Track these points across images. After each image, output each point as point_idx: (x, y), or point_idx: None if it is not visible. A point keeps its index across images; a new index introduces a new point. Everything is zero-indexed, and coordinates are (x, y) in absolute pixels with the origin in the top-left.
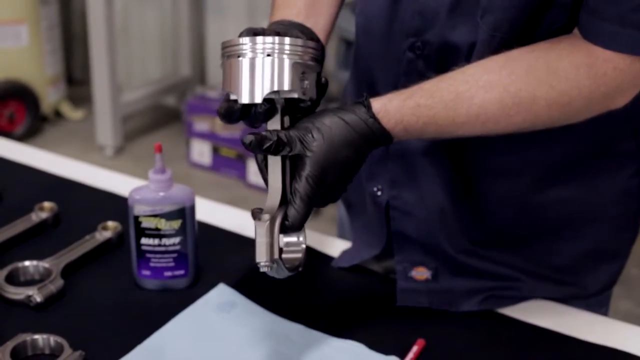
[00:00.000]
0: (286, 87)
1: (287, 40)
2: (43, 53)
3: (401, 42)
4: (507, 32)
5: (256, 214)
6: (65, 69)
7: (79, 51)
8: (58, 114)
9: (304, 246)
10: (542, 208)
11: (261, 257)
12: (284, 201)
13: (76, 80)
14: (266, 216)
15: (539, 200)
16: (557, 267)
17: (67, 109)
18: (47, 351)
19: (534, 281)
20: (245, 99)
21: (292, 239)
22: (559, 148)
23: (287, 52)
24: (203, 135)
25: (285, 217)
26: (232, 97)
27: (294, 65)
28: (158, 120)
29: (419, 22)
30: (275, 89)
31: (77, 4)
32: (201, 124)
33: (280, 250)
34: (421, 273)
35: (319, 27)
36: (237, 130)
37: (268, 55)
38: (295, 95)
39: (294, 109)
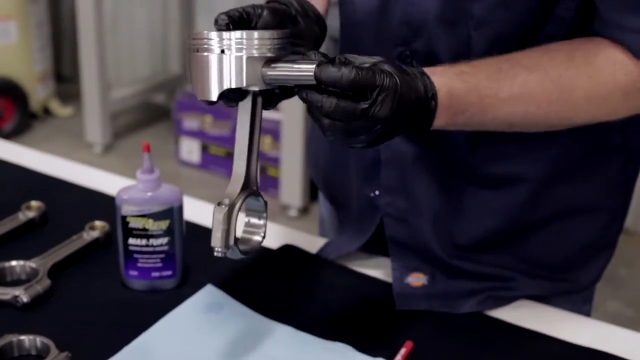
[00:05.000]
0: (244, 83)
1: (243, 34)
2: (32, 50)
3: (389, 51)
4: (506, 44)
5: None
6: (54, 66)
7: (67, 48)
8: (47, 111)
9: (264, 230)
10: (537, 208)
11: (216, 242)
12: (247, 185)
13: (65, 77)
14: (226, 201)
15: (534, 202)
16: (551, 265)
17: (55, 106)
18: (33, 352)
19: (529, 280)
20: (199, 96)
21: (255, 220)
22: (558, 149)
23: (244, 46)
24: (192, 133)
25: (244, 201)
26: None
27: (249, 60)
28: (147, 117)
29: (406, 32)
30: (229, 86)
31: (66, 0)
32: (190, 122)
33: (236, 240)
34: (417, 279)
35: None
36: (226, 129)
37: (222, 51)
38: (256, 89)
39: (270, 92)
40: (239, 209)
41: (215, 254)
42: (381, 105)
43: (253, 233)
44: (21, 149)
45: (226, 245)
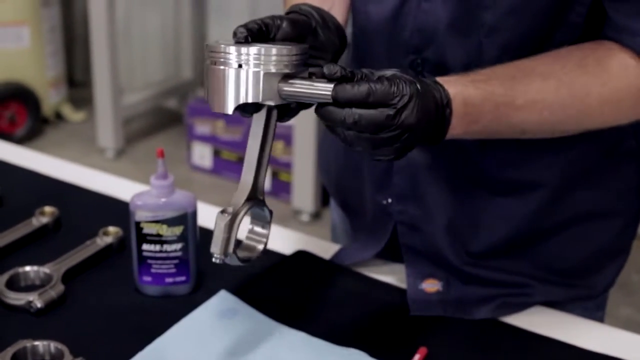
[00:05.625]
0: (260, 98)
1: (261, 49)
2: (44, 55)
3: (402, 59)
4: (516, 50)
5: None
6: (66, 71)
7: (80, 53)
8: (59, 116)
9: (266, 239)
10: (551, 215)
11: (215, 249)
12: (253, 195)
13: (77, 82)
14: (230, 209)
15: (548, 208)
16: (565, 271)
17: (68, 111)
18: (47, 357)
19: (544, 286)
20: (215, 108)
21: (259, 229)
22: (572, 154)
23: (262, 62)
24: (204, 138)
25: (248, 210)
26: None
27: (266, 76)
28: (159, 122)
29: (417, 40)
30: (245, 101)
31: (78, 5)
32: (202, 127)
33: (238, 243)
34: (431, 285)
35: (335, 10)
36: (238, 134)
37: (240, 66)
38: (272, 103)
39: (285, 106)
40: (242, 219)
41: (214, 259)
42: (406, 112)
43: (255, 241)
44: (33, 154)
45: (225, 253)
